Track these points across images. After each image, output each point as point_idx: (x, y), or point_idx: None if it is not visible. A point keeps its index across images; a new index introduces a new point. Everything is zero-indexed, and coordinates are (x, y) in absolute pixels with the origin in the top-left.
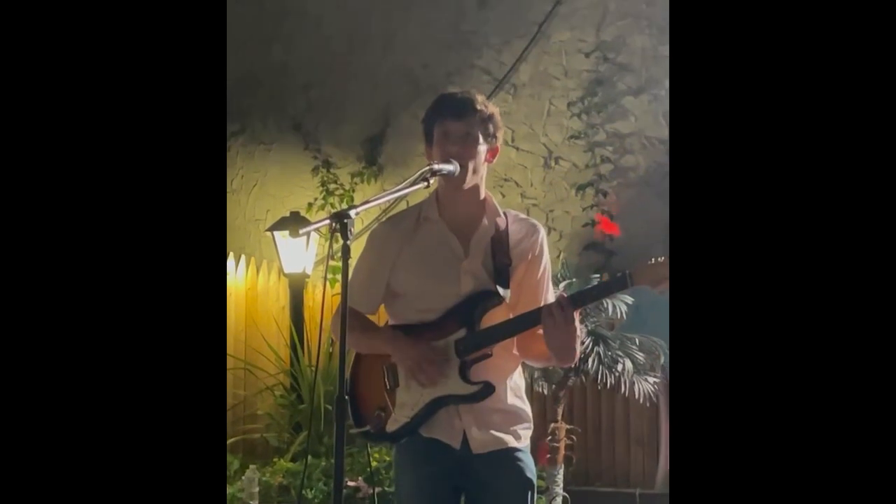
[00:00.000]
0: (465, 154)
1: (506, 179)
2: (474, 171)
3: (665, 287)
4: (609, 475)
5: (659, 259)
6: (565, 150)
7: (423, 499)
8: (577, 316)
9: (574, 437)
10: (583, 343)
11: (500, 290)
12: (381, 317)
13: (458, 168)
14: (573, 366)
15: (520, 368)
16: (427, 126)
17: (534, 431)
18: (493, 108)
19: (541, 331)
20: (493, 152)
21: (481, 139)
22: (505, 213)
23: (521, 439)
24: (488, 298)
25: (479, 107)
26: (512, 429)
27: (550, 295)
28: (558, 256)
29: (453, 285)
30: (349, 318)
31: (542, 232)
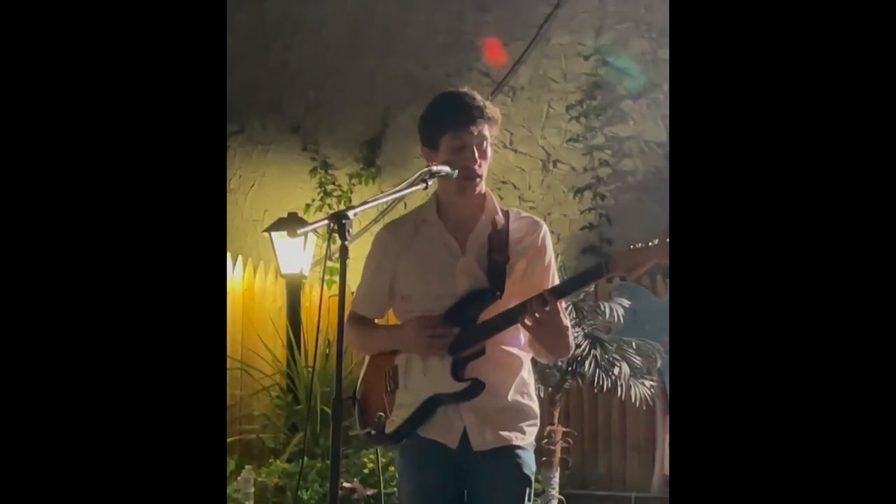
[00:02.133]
0: (481, 159)
1: (504, 182)
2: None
3: (640, 274)
4: (605, 479)
5: (637, 245)
6: (563, 154)
7: (423, 500)
8: (561, 307)
9: (570, 441)
10: (579, 346)
11: (496, 288)
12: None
13: (458, 170)
14: (570, 367)
15: (529, 366)
16: (431, 131)
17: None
18: (493, 108)
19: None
20: (492, 149)
21: (489, 139)
22: (507, 212)
23: (525, 436)
24: (483, 297)
25: (488, 112)
26: (516, 425)
27: None
28: (556, 259)
29: (450, 285)
30: (357, 324)
31: (545, 228)
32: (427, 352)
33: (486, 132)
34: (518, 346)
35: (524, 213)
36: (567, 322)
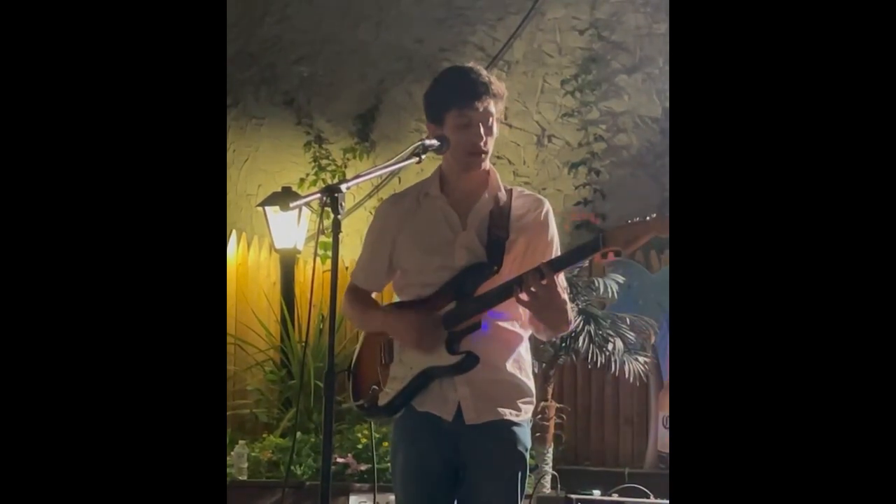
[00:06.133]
0: (487, 136)
1: (498, 157)
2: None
3: (636, 248)
4: (598, 454)
5: (634, 220)
6: (558, 128)
7: (416, 474)
8: (558, 280)
9: (564, 416)
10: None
11: (494, 262)
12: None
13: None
14: (564, 343)
15: (527, 344)
16: (437, 107)
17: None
18: (499, 84)
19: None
20: (497, 125)
21: (494, 115)
22: (511, 190)
23: (519, 413)
24: (480, 271)
25: (494, 88)
26: (510, 401)
27: None
28: None
29: (449, 258)
30: (354, 298)
31: (548, 205)
32: (415, 347)
33: (492, 108)
34: (518, 320)
35: (527, 192)
36: (566, 296)
